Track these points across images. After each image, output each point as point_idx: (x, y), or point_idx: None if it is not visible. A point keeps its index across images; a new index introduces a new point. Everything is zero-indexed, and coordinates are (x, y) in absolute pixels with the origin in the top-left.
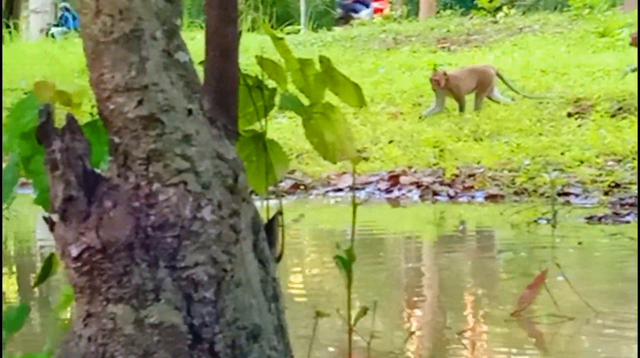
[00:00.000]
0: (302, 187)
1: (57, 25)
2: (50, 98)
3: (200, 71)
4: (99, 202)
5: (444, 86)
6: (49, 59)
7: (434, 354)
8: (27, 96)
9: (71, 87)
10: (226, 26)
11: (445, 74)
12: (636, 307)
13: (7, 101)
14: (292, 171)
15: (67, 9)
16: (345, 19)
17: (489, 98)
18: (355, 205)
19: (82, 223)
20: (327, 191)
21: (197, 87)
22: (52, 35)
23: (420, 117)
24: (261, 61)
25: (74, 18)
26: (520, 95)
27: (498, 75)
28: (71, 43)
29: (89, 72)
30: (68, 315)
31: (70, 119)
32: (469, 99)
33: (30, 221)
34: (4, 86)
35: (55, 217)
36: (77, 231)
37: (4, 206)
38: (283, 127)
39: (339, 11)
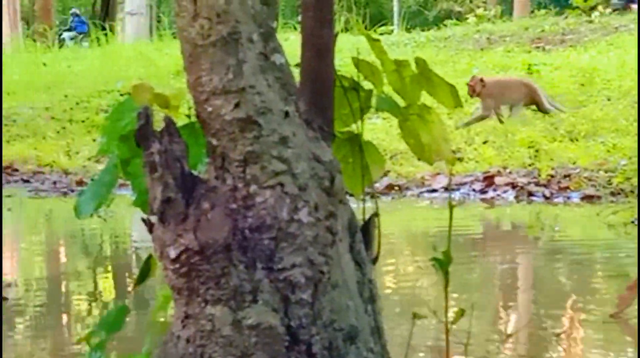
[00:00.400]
0: (396, 188)
1: (68, 30)
2: (148, 101)
3: (295, 72)
4: (196, 204)
5: (479, 92)
6: (144, 60)
7: (531, 356)
8: (125, 98)
9: (169, 90)
10: (322, 28)
11: (482, 80)
12: None
13: (103, 103)
14: (387, 172)
15: (76, 15)
16: (625, 9)
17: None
18: (451, 207)
19: (180, 225)
20: (421, 192)
21: (293, 89)
22: (64, 40)
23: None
24: (357, 62)
25: (83, 23)
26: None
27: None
28: (166, 45)
29: (186, 75)
30: (166, 316)
31: (169, 122)
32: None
33: (126, 222)
34: (101, 87)
35: (153, 219)
36: (175, 233)
37: (103, 207)
38: (377, 128)
39: (615, 2)
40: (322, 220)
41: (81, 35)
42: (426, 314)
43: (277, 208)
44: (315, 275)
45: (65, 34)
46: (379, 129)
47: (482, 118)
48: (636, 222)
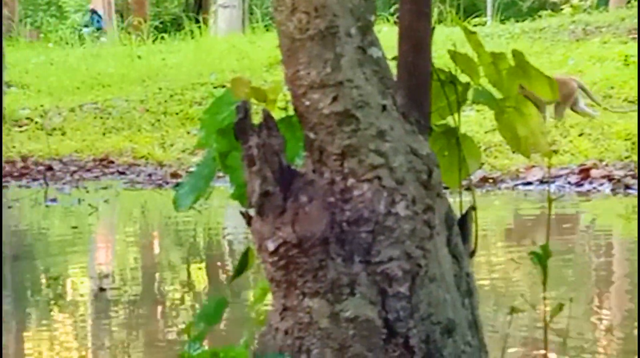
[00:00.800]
0: (490, 180)
1: (86, 26)
2: (246, 94)
3: (392, 65)
4: (294, 197)
5: None
6: (237, 53)
7: (629, 350)
8: (223, 92)
9: (262, 83)
10: (419, 21)
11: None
12: None
13: (197, 95)
14: (481, 164)
15: (94, 12)
16: None
17: (573, 110)
18: (550, 201)
19: (278, 218)
20: (516, 185)
21: (391, 83)
22: (82, 36)
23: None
24: (454, 55)
25: (100, 20)
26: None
27: (581, 87)
28: (259, 37)
29: (284, 68)
30: (263, 309)
31: (267, 116)
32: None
33: (220, 214)
34: (195, 80)
35: (252, 212)
36: (274, 226)
37: (202, 199)
38: (471, 121)
39: None
40: (420, 214)
41: (99, 32)
42: (524, 308)
43: (374, 202)
44: (413, 268)
45: (85, 30)
46: (472, 121)
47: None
48: None
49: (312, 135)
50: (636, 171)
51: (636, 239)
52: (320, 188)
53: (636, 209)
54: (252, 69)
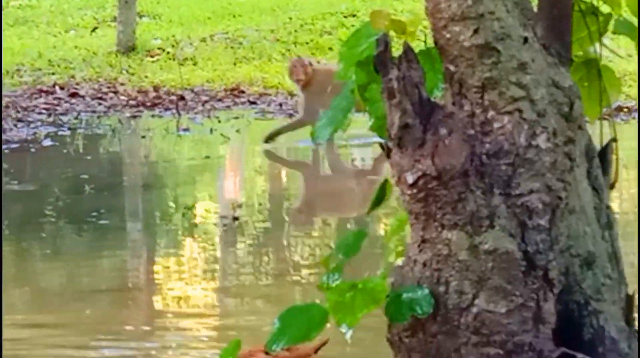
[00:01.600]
0: (625, 109)
1: None
2: (385, 27)
3: None
4: (434, 130)
5: None
6: None
7: None
8: (362, 24)
9: (396, 13)
10: None
11: None
12: None
13: (327, 25)
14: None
15: None
16: None
17: None
18: None
19: (417, 150)
20: None
21: (531, 14)
22: None
23: None
24: None
25: None
26: None
27: None
28: None
29: (425, 1)
30: (401, 240)
31: (407, 48)
32: None
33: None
34: (325, 9)
35: (391, 144)
36: (413, 159)
37: (339, 131)
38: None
39: None
40: (561, 146)
41: None
42: None
43: (515, 134)
44: (553, 201)
45: None
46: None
47: None
48: None
49: (452, 67)
50: None
51: None
52: (460, 120)
53: None
54: None
